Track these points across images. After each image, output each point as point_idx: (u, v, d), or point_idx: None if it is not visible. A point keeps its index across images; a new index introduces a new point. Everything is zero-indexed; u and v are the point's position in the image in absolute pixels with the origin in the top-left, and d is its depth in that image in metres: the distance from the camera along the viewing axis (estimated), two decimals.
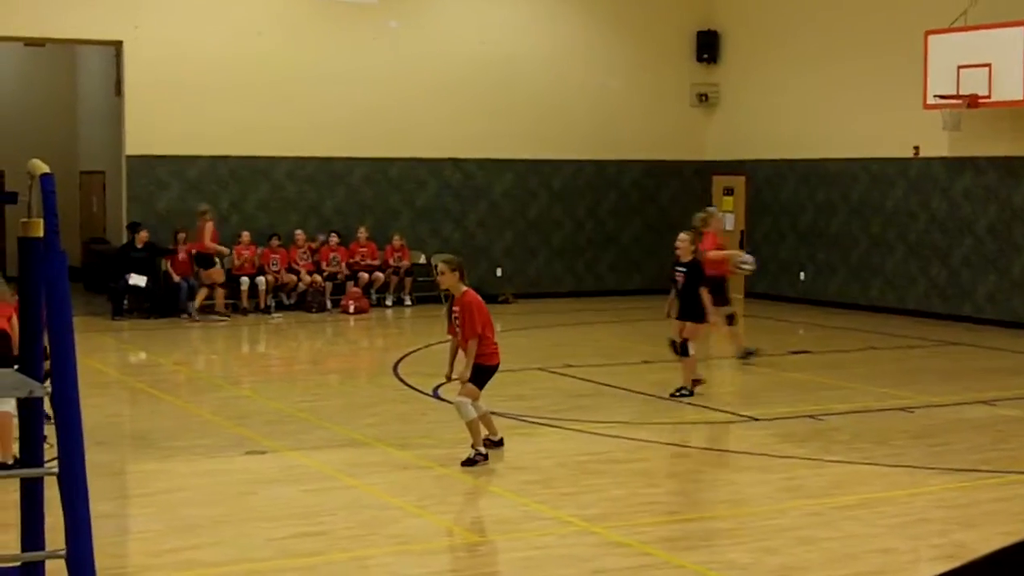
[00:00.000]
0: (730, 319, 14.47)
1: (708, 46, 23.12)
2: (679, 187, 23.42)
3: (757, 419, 11.34)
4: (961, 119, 18.09)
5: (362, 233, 20.64)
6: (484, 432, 9.51)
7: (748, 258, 15.35)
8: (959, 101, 17.76)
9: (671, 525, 7.78)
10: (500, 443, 9.70)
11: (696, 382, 12.38)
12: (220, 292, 19.25)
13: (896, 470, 9.37)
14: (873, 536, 7.56)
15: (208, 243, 19.07)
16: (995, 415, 11.61)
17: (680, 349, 12.29)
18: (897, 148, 19.85)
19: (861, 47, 20.33)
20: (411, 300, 20.86)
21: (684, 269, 12.29)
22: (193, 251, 19.24)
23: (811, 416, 11.38)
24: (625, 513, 8.04)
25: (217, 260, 19.20)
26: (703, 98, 23.27)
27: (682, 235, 12.47)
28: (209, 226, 19.08)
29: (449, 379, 9.65)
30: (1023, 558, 2.62)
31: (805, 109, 21.48)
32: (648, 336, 17.56)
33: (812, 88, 21.33)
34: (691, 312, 12.23)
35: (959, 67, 17.74)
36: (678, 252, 12.40)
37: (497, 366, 9.52)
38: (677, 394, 12.22)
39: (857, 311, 20.25)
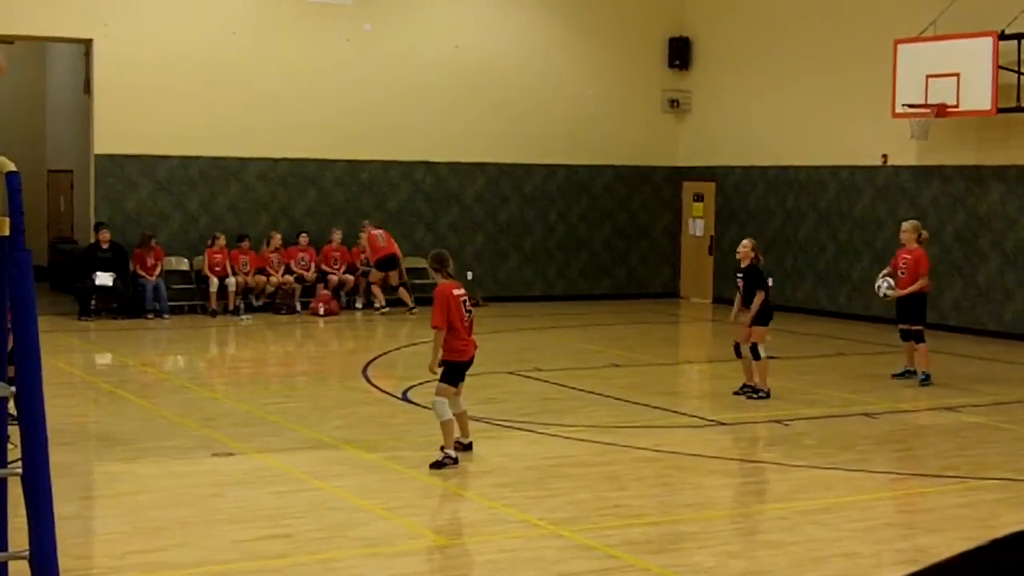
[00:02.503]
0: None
1: (680, 52, 23.21)
2: (650, 192, 23.51)
3: (724, 423, 11.40)
4: (929, 128, 18.26)
5: (336, 236, 20.57)
6: (456, 434, 9.52)
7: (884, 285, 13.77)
8: (927, 110, 17.91)
9: (637, 528, 7.81)
10: (469, 447, 9.72)
11: (748, 387, 12.56)
12: (402, 290, 20.14)
13: (861, 475, 9.45)
14: (837, 540, 7.62)
15: (374, 252, 20.06)
16: (959, 421, 11.72)
17: (752, 354, 12.46)
18: (865, 156, 19.99)
19: (831, 55, 20.47)
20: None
21: (742, 275, 12.55)
22: (373, 260, 20.24)
23: (778, 421, 11.46)
24: (592, 516, 8.07)
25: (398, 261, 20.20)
26: (674, 104, 23.37)
27: (744, 241, 12.68)
28: (367, 235, 20.15)
29: (432, 371, 9.57)
30: (988, 561, 2.64)
31: (775, 116, 21.61)
32: (617, 340, 17.63)
33: (782, 95, 21.46)
34: (754, 316, 12.44)
35: (927, 76, 17.89)
36: (739, 257, 12.59)
37: (467, 362, 9.52)
38: (755, 396, 12.40)
39: (824, 317, 20.39)
